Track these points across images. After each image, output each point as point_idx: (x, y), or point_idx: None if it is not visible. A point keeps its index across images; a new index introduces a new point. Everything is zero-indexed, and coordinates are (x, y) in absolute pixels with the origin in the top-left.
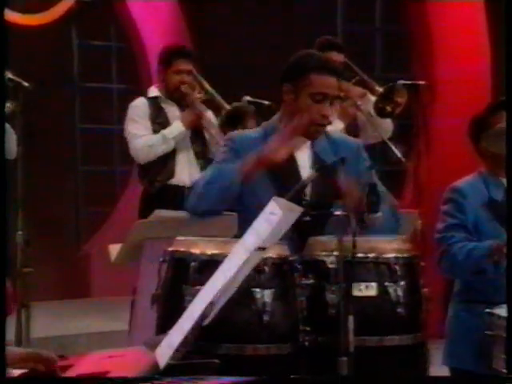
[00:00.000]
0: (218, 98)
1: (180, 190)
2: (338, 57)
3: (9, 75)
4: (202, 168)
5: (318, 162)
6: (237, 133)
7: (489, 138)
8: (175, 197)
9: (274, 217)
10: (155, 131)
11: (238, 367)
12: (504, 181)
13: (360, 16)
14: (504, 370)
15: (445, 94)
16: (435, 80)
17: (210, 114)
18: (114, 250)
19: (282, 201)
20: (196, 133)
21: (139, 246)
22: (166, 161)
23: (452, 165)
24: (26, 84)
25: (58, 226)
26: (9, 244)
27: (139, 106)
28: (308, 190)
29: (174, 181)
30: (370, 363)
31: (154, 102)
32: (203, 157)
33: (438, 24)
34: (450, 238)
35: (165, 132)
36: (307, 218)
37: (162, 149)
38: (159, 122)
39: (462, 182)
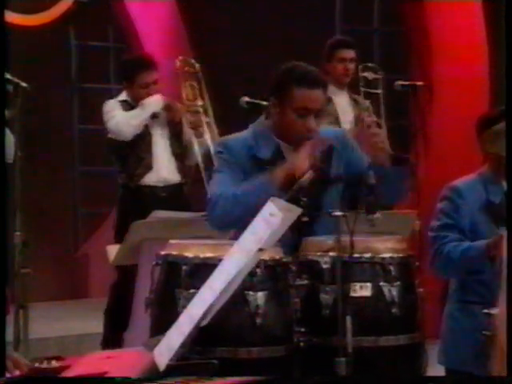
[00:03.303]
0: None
1: (154, 190)
2: (347, 54)
3: (7, 76)
4: (180, 170)
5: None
6: (227, 138)
7: (488, 138)
8: (150, 197)
9: (274, 218)
10: None
11: (231, 371)
12: (504, 184)
13: (358, 16)
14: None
15: (443, 95)
16: (433, 80)
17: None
18: (113, 250)
19: (280, 201)
20: (176, 135)
21: (137, 247)
22: (143, 154)
23: (450, 165)
24: (24, 84)
25: (56, 226)
26: (7, 245)
27: (113, 103)
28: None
29: (150, 178)
30: (366, 364)
31: (125, 104)
32: (181, 160)
33: (436, 24)
34: (443, 238)
35: (142, 102)
36: (305, 219)
37: (139, 118)
38: None
39: (460, 182)
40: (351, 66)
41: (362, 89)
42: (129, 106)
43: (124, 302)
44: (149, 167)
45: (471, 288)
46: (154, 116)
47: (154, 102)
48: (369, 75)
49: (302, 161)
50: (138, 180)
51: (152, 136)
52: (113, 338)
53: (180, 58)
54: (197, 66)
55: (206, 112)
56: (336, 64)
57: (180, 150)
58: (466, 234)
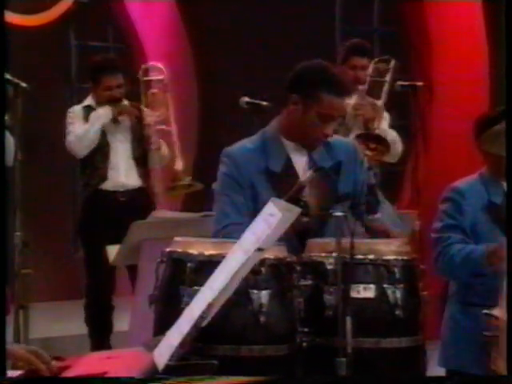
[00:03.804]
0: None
1: (113, 195)
2: (360, 62)
3: (7, 76)
4: (141, 174)
5: (314, 167)
6: (234, 148)
7: (488, 139)
8: (106, 202)
9: (273, 218)
10: None
11: (234, 369)
12: (504, 185)
13: (358, 16)
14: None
15: (443, 95)
16: (433, 81)
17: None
18: (113, 250)
19: (280, 201)
20: (138, 139)
21: (137, 247)
22: (99, 165)
23: (450, 165)
24: (24, 85)
25: (56, 226)
26: (7, 245)
27: (74, 111)
28: (306, 191)
29: (106, 185)
30: (368, 365)
31: (88, 110)
32: (144, 164)
33: (436, 25)
34: (446, 239)
35: (91, 115)
36: (306, 219)
37: (90, 135)
38: None
39: (461, 183)
40: (362, 73)
41: (370, 78)
42: (89, 112)
43: (103, 304)
44: (103, 177)
45: (472, 289)
46: (116, 121)
47: (102, 115)
48: (381, 66)
49: None
50: (94, 188)
51: (110, 144)
52: (100, 344)
53: (147, 64)
54: (164, 71)
55: (166, 122)
56: (347, 70)
57: (142, 155)
58: (468, 234)
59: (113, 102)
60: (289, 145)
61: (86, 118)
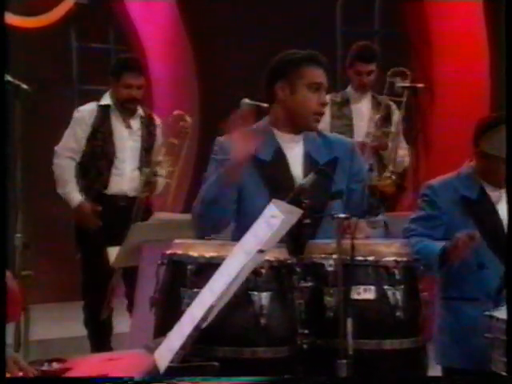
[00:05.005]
0: None
1: (112, 199)
2: (365, 68)
3: (8, 78)
4: (144, 184)
5: (309, 160)
6: (225, 139)
7: (487, 140)
8: (106, 205)
9: (275, 220)
10: (97, 139)
11: (235, 371)
12: (486, 184)
13: (359, 18)
14: (504, 373)
15: (444, 97)
16: (434, 82)
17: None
18: (113, 252)
19: (282, 203)
20: (146, 150)
21: (138, 249)
22: (103, 171)
23: (451, 167)
24: (25, 86)
25: (57, 228)
26: (7, 246)
27: (85, 112)
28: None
29: (108, 190)
30: (369, 367)
31: (104, 110)
32: (147, 174)
33: (437, 26)
34: (410, 230)
35: (67, 190)
36: (307, 221)
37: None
38: (102, 130)
39: (436, 180)
40: (368, 79)
41: (385, 96)
42: (104, 112)
43: (101, 304)
44: (106, 184)
45: (452, 284)
46: (128, 126)
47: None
48: (396, 81)
49: (238, 151)
50: (96, 192)
51: (118, 151)
52: (101, 346)
53: (175, 113)
54: (188, 120)
55: (171, 176)
56: (353, 74)
57: (148, 165)
58: (436, 228)
59: (130, 101)
60: (281, 136)
61: (102, 118)
